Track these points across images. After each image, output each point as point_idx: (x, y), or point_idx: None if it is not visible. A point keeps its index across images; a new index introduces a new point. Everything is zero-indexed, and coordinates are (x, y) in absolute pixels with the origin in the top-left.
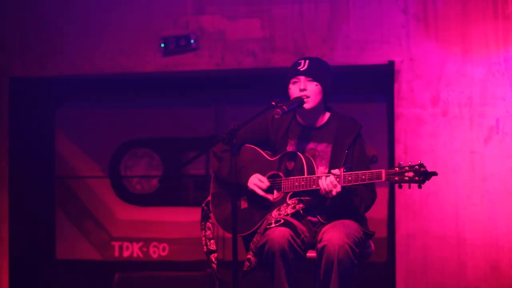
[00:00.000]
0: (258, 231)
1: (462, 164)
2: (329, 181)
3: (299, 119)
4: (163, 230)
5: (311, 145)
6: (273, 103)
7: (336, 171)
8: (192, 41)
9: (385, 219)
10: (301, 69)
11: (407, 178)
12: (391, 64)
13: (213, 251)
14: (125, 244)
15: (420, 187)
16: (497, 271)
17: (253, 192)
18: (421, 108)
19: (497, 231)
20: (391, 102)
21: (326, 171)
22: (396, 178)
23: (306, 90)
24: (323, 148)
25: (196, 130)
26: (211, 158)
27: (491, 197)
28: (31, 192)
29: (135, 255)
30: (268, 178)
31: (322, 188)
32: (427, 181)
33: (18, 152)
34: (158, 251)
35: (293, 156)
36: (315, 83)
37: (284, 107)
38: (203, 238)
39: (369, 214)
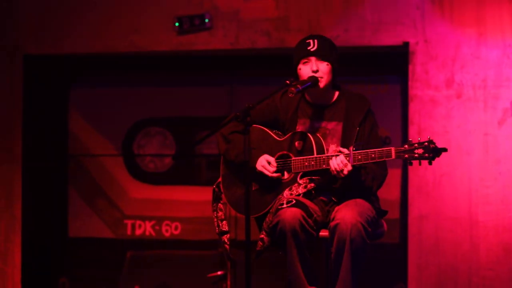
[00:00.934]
0: (271, 211)
1: (476, 146)
2: (339, 161)
3: (308, 98)
4: (175, 208)
5: (321, 124)
6: (287, 81)
7: (345, 150)
8: (206, 20)
9: (397, 200)
10: (311, 49)
11: (416, 155)
12: (406, 45)
13: (225, 232)
14: (138, 222)
15: (430, 163)
16: (509, 253)
17: (263, 174)
18: (435, 90)
19: (510, 213)
20: (405, 83)
21: (338, 149)
22: (406, 156)
23: (319, 70)
24: (334, 126)
25: (209, 109)
26: (219, 140)
27: (504, 179)
28: (44, 170)
29: (147, 233)
30: (278, 158)
31: (333, 168)
32: (440, 161)
33: (31, 130)
34: (170, 230)
35: (302, 136)
36: (326, 62)
37: (298, 85)
38: (215, 219)
39: (381, 195)
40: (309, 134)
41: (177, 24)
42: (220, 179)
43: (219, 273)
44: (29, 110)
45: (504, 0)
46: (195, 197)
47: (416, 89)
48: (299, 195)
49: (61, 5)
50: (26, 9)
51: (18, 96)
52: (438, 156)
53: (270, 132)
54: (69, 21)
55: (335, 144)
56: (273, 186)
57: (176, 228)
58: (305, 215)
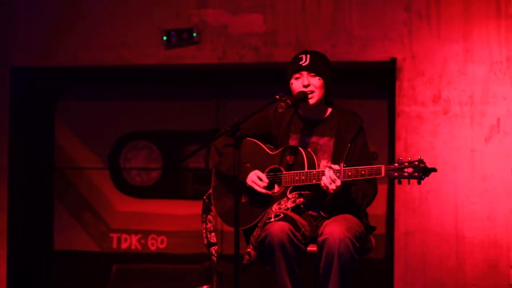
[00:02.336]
0: (259, 225)
1: (462, 162)
2: (328, 176)
3: (301, 113)
4: (161, 222)
5: (313, 139)
6: (277, 96)
7: (336, 166)
8: (194, 34)
9: (384, 215)
10: (303, 64)
11: (406, 174)
12: (393, 61)
13: (213, 244)
14: (124, 236)
15: (419, 183)
16: (495, 270)
17: (252, 188)
18: (422, 106)
19: (496, 229)
20: (392, 99)
21: (329, 164)
22: (396, 174)
23: (310, 85)
24: (325, 142)
25: (196, 123)
26: (211, 152)
27: (490, 195)
28: (30, 183)
29: (133, 247)
30: (269, 172)
31: (323, 183)
32: (426, 178)
33: (18, 143)
34: (156, 244)
35: (294, 150)
36: (318, 77)
37: (288, 100)
38: (204, 231)
39: (368, 210)
40: (301, 149)
41: (165, 38)
42: (211, 191)
43: (205, 287)
44: (15, 122)
45: (490, 16)
46: (181, 211)
47: (403, 105)
48: (287, 209)
49: (49, 18)
50: (14, 21)
51: (4, 108)
52: (428, 175)
53: (262, 145)
54: (56, 34)
55: (326, 160)
56: (263, 199)
57: (162, 242)
58: (293, 229)
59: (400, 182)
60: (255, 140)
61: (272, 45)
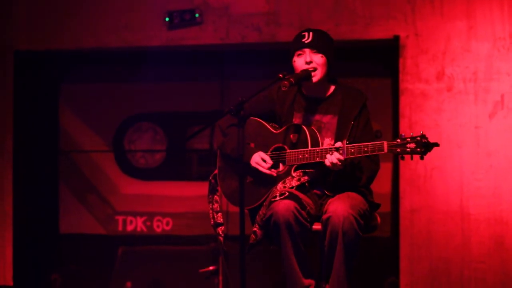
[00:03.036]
0: (264, 204)
1: (467, 139)
2: (334, 156)
3: (304, 91)
4: (167, 204)
5: (316, 117)
6: (280, 75)
7: (338, 143)
8: (196, 15)
9: (389, 193)
10: (305, 41)
11: (409, 149)
12: (396, 39)
13: (220, 224)
14: (129, 218)
15: (422, 158)
16: (501, 246)
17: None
18: (426, 83)
19: (501, 206)
20: (396, 77)
21: (332, 142)
22: (398, 150)
23: (312, 62)
24: (329, 120)
25: (200, 104)
26: (216, 133)
27: (495, 172)
28: (35, 166)
29: (138, 229)
30: (273, 151)
31: (327, 161)
32: (431, 155)
33: (22, 126)
34: (161, 225)
35: (297, 129)
36: (320, 54)
37: (291, 79)
38: (210, 211)
39: (373, 189)
40: (304, 127)
41: (167, 19)
42: (216, 171)
43: (211, 268)
44: (19, 106)
45: None
46: (186, 193)
47: (407, 83)
48: (292, 187)
49: (51, 1)
50: (16, 4)
51: (8, 92)
52: (430, 150)
53: (266, 124)
54: (59, 17)
55: (330, 138)
56: (267, 178)
57: (167, 224)
58: (298, 207)
59: (403, 158)
60: (259, 119)
61: (275, 25)
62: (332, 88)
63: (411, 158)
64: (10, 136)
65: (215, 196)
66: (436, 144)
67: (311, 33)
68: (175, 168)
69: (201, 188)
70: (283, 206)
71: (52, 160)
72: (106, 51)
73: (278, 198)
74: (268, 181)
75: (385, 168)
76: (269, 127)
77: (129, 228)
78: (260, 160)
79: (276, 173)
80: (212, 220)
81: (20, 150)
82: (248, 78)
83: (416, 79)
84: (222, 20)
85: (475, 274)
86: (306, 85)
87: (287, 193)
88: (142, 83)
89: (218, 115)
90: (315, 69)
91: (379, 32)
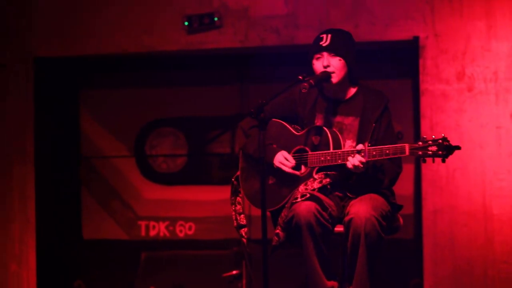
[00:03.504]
0: (286, 205)
1: (488, 139)
2: (356, 158)
3: (326, 93)
4: (189, 209)
5: (338, 119)
6: (300, 77)
7: (360, 145)
8: (215, 18)
9: (411, 195)
10: (323, 45)
11: (430, 152)
12: (416, 40)
13: (243, 226)
14: (152, 223)
15: (443, 161)
16: None
17: (280, 169)
18: (446, 83)
19: None
20: (416, 78)
21: (354, 144)
22: (420, 153)
23: (330, 66)
24: (351, 122)
25: (221, 108)
26: (238, 134)
27: None
28: (57, 173)
29: (161, 234)
30: (295, 152)
31: (351, 163)
32: (451, 156)
33: (44, 133)
34: (184, 230)
35: (319, 131)
36: (338, 58)
37: (311, 81)
38: (233, 213)
39: (395, 191)
40: (326, 129)
41: (186, 23)
42: (238, 172)
43: (234, 272)
44: (41, 112)
45: None
46: (208, 197)
47: (427, 83)
48: (314, 190)
49: (70, 8)
50: (36, 12)
51: (29, 99)
52: (452, 153)
53: (288, 126)
54: (78, 23)
55: (351, 140)
56: (290, 180)
57: (190, 228)
58: (319, 208)
59: (424, 161)
60: (281, 121)
61: (293, 27)
62: (354, 89)
63: (433, 161)
64: (31, 143)
65: (238, 197)
66: (458, 147)
67: (329, 36)
68: (196, 172)
69: (223, 192)
70: (305, 208)
71: (74, 166)
72: (125, 56)
73: (299, 199)
74: (290, 183)
75: (407, 170)
76: (291, 128)
77: (152, 233)
78: (284, 160)
79: (299, 173)
80: (235, 221)
81: (42, 157)
82: (268, 81)
83: (436, 80)
84: (241, 23)
85: (498, 274)
86: (327, 87)
87: (308, 195)
88: (162, 88)
89: (239, 119)
90: (333, 72)
91: (398, 32)
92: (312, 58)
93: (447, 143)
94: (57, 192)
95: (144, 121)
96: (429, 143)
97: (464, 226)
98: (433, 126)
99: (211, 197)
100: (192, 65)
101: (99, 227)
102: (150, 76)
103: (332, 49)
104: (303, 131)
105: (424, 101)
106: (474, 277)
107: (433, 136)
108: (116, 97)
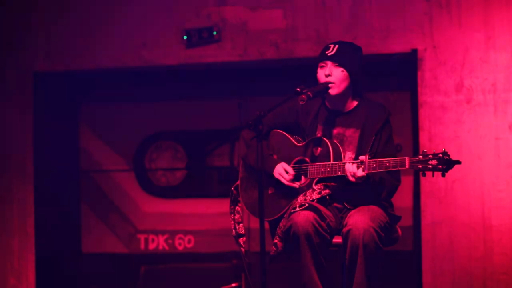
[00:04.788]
0: (285, 216)
1: (487, 150)
2: (347, 169)
3: (327, 104)
4: (188, 222)
5: (339, 130)
6: (298, 89)
7: (362, 157)
8: (214, 33)
9: (410, 207)
10: (328, 54)
11: (430, 166)
12: (414, 52)
13: (242, 235)
14: (151, 236)
15: (443, 175)
16: None
17: (279, 180)
18: (445, 95)
19: None
20: (415, 90)
21: (354, 156)
22: (420, 166)
23: (331, 75)
24: (351, 134)
25: (220, 122)
26: (240, 144)
27: None
28: (56, 187)
29: (160, 247)
30: (295, 163)
31: (348, 172)
32: (450, 169)
33: (43, 147)
34: (183, 243)
35: (319, 142)
36: (341, 69)
37: (309, 93)
38: (232, 222)
39: (394, 203)
40: (326, 140)
41: (185, 37)
42: (238, 182)
43: (233, 285)
44: (39, 127)
45: (511, 2)
46: (207, 210)
47: (426, 95)
48: (313, 200)
49: (69, 22)
50: (35, 26)
51: (28, 113)
52: (451, 168)
53: (290, 137)
54: (77, 37)
55: (351, 152)
56: (289, 191)
57: (189, 242)
58: (318, 218)
59: (424, 175)
60: (282, 131)
61: (292, 40)
62: (356, 102)
63: (433, 175)
64: (30, 157)
65: (237, 207)
66: (458, 162)
67: (336, 46)
68: (196, 185)
69: (222, 205)
70: (303, 217)
71: (73, 180)
72: (125, 71)
73: (297, 209)
74: (289, 194)
75: (406, 182)
76: (292, 139)
77: (151, 246)
78: (283, 171)
79: (298, 185)
80: (233, 231)
81: (41, 171)
82: (266, 94)
83: (435, 92)
84: (240, 37)
85: (498, 285)
86: (328, 98)
87: (307, 205)
88: (161, 102)
89: (238, 132)
90: (332, 83)
91: (397, 45)
92: (317, 66)
93: (447, 157)
94: (56, 206)
95: (143, 135)
96: (429, 157)
97: (463, 238)
98: (432, 138)
99: (210, 210)
100: (191, 79)
101: (98, 241)
102: (149, 90)
103: (336, 59)
104: (304, 142)
105: (423, 113)
106: None
107: (434, 150)
108: (115, 111)
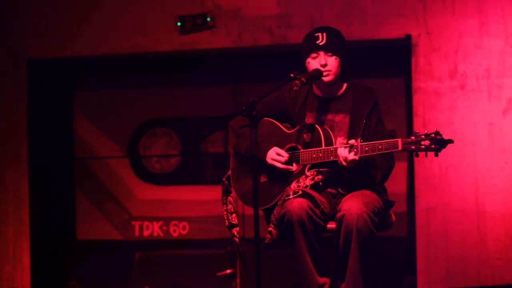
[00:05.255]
0: (278, 203)
1: (481, 136)
2: (340, 154)
3: (316, 91)
4: (183, 208)
5: (329, 116)
6: (291, 75)
7: (352, 141)
8: (208, 19)
9: (404, 193)
10: (320, 44)
11: (423, 146)
12: (408, 38)
13: (235, 225)
14: (146, 223)
15: (436, 155)
16: None
17: (272, 166)
18: (438, 81)
19: None
20: (409, 76)
21: (345, 141)
22: (413, 147)
23: (327, 65)
24: (341, 119)
25: (215, 109)
26: (229, 134)
27: (510, 168)
28: (51, 174)
29: (155, 234)
30: (287, 150)
31: (341, 156)
32: (444, 153)
33: (37, 134)
34: (178, 230)
35: (310, 128)
36: (335, 57)
37: (302, 78)
38: (225, 213)
39: (387, 188)
40: (317, 126)
41: (179, 23)
42: (229, 172)
43: (228, 271)
44: (34, 114)
45: None
46: (202, 197)
47: (420, 81)
48: (306, 187)
49: (63, 9)
50: (29, 13)
51: (22, 100)
52: (444, 147)
53: (279, 124)
54: (71, 24)
55: (342, 137)
56: (282, 178)
57: (184, 228)
58: (311, 205)
59: (417, 155)
60: (271, 119)
61: (286, 27)
62: (344, 86)
63: (426, 155)
64: (25, 144)
65: (229, 197)
66: (451, 141)
67: (325, 34)
68: (190, 172)
69: (216, 192)
70: (296, 204)
71: (68, 167)
72: (119, 57)
73: (291, 196)
74: (282, 181)
75: (400, 168)
76: (282, 127)
77: (146, 233)
78: (276, 156)
79: (295, 167)
80: (226, 221)
81: (36, 158)
82: (261, 80)
83: (429, 78)
84: (234, 23)
85: (491, 271)
86: (318, 85)
87: (300, 192)
88: (156, 88)
89: (232, 118)
90: (330, 71)
91: (391, 31)
92: (307, 57)
93: (440, 137)
94: (51, 193)
95: (138, 122)
96: (422, 138)
97: (457, 223)
98: (426, 123)
99: (205, 197)
100: (185, 65)
101: (93, 228)
102: (143, 77)
103: (329, 49)
104: (294, 129)
105: (417, 99)
106: (468, 275)
107: (426, 131)
108: (109, 98)
